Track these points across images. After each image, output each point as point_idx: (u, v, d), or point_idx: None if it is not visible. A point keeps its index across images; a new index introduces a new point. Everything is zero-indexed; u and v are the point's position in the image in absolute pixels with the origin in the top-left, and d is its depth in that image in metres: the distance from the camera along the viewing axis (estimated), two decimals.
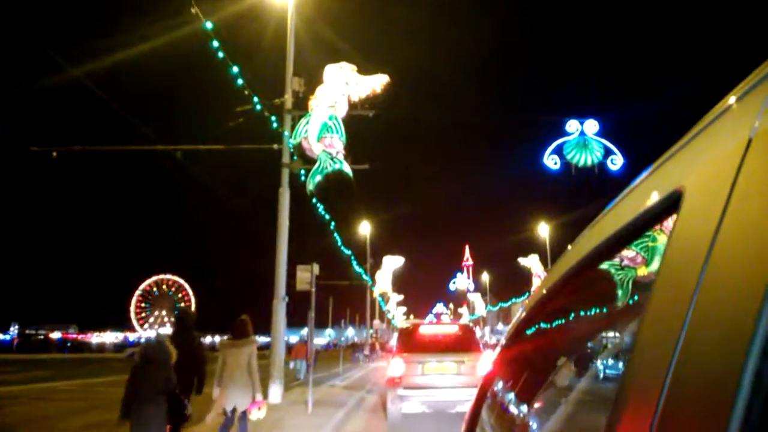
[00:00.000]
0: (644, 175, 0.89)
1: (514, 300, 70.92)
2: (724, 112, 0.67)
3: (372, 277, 51.67)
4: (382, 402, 12.35)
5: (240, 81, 13.71)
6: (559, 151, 19.11)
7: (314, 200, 14.92)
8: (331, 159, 14.18)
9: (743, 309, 0.45)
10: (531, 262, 48.01)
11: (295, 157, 14.50)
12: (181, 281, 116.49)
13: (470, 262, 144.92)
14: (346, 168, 14.32)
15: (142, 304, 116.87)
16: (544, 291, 1.34)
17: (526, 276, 50.30)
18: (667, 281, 0.63)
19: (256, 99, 14.35)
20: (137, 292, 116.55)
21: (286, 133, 14.55)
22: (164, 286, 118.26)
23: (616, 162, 19.00)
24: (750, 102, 0.61)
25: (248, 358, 6.52)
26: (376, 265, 53.60)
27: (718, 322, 0.49)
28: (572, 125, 19.70)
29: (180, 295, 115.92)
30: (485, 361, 9.07)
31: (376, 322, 56.90)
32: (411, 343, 10.04)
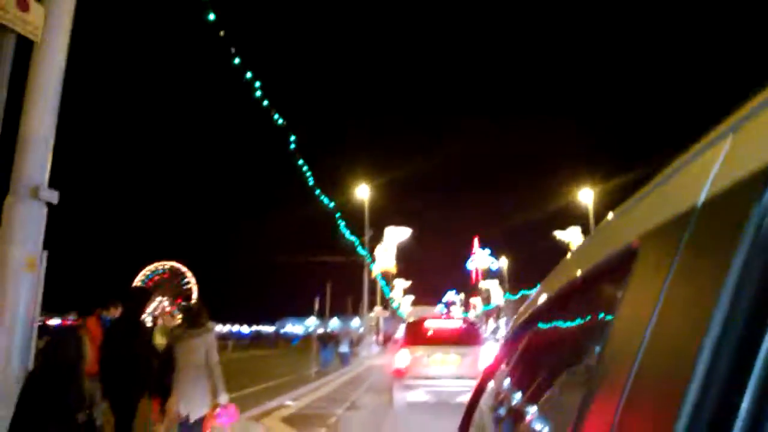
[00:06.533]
0: (607, 222, 1.03)
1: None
2: (677, 171, 0.70)
3: (371, 252, 42.02)
4: None
5: None
6: None
7: None
8: None
9: (681, 365, 0.51)
10: (570, 235, 38.23)
11: None
12: (185, 271, 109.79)
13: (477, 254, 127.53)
14: None
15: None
16: (539, 300, 1.51)
17: (561, 253, 40.44)
18: (621, 330, 0.71)
19: None
20: (140, 276, 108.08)
21: None
22: (170, 272, 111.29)
23: None
24: (701, 165, 0.62)
25: (205, 352, 5.45)
26: (377, 238, 43.94)
27: (660, 372, 0.57)
28: None
29: (185, 280, 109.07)
30: (486, 354, 9.56)
31: (378, 309, 47.30)
32: (417, 335, 10.50)
